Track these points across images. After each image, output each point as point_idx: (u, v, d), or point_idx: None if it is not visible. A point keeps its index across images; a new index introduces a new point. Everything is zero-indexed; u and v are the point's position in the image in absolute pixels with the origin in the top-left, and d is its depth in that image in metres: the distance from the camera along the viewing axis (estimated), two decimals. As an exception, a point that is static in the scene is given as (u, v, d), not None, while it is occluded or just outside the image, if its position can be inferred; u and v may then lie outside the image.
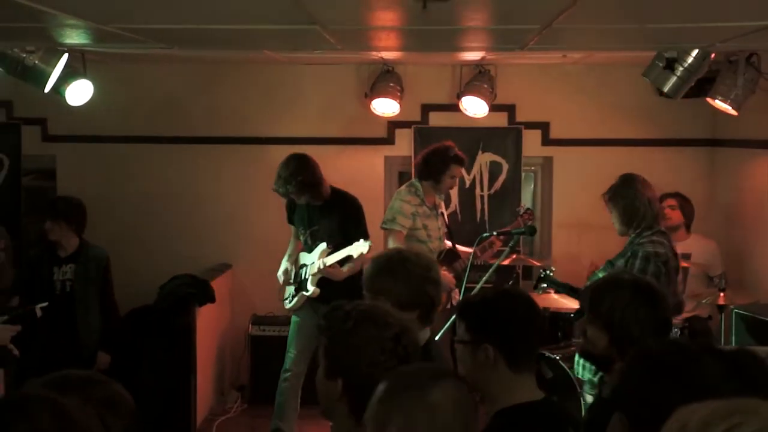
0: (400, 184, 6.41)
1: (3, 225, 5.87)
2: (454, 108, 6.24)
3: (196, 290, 5.69)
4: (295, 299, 5.30)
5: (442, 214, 5.58)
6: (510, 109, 6.47)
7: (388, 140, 6.57)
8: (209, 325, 5.97)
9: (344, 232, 5.17)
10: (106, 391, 1.76)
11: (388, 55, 5.83)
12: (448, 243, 5.47)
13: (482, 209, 6.49)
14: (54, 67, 4.90)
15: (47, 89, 4.95)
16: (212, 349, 6.18)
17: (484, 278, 5.09)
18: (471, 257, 5.19)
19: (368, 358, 2.05)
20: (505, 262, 5.34)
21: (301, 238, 5.35)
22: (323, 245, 5.18)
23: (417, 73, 6.36)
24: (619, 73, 6.22)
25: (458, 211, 6.48)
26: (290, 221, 5.43)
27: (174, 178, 6.46)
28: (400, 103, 6.21)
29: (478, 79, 6.10)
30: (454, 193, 6.31)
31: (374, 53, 5.72)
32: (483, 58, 5.91)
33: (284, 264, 5.42)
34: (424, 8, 2.84)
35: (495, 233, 5.45)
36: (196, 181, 6.48)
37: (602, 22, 4.03)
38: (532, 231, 5.43)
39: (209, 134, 6.51)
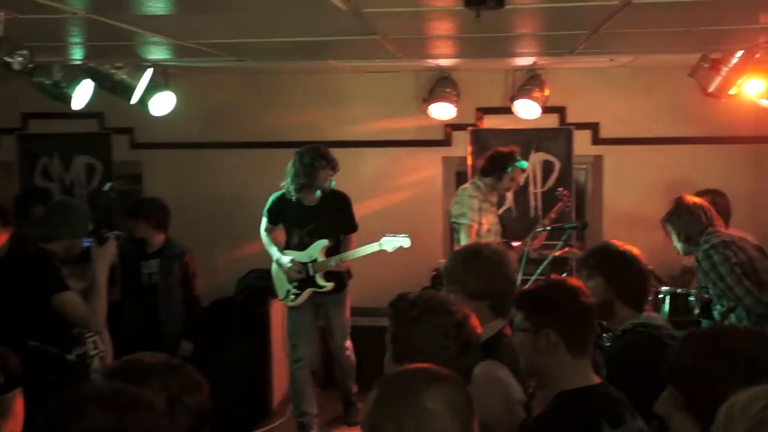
0: (458, 184, 6.42)
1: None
2: (508, 111, 6.19)
3: (271, 283, 5.78)
4: (302, 295, 5.29)
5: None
6: (561, 111, 6.39)
7: (446, 142, 6.55)
8: (283, 315, 6.04)
9: (343, 227, 5.32)
10: (182, 373, 1.82)
11: (444, 62, 5.82)
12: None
13: (535, 206, 6.43)
14: (139, 81, 5.04)
15: (133, 101, 5.09)
16: (286, 337, 6.24)
17: (539, 270, 5.07)
18: (526, 250, 5.16)
19: (434, 343, 2.08)
20: (558, 254, 5.30)
21: (294, 238, 5.30)
22: (324, 241, 5.25)
23: (472, 78, 6.32)
24: (665, 75, 6.08)
25: (513, 207, 6.44)
26: (274, 222, 5.38)
27: (248, 179, 6.54)
28: (456, 107, 6.20)
29: (530, 83, 6.04)
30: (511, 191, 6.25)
31: (431, 61, 5.72)
32: (534, 63, 5.86)
33: (286, 262, 5.25)
34: (477, 17, 2.83)
35: (548, 228, 5.42)
36: (269, 182, 6.53)
37: (648, 27, 3.96)
38: (583, 226, 5.36)
39: (279, 139, 6.57)
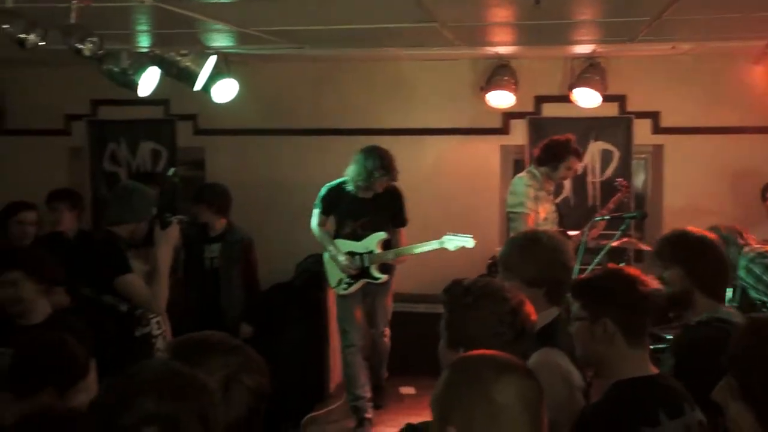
0: (515, 172, 6.35)
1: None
2: (566, 99, 6.08)
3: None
4: (354, 285, 5.31)
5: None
6: (621, 99, 6.26)
7: (503, 130, 6.47)
8: (340, 300, 6.09)
9: (394, 221, 5.34)
10: (242, 354, 1.85)
11: (502, 49, 5.75)
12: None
13: (593, 195, 6.32)
14: (203, 68, 5.11)
15: (197, 87, 5.16)
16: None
17: (596, 260, 4.98)
18: (583, 239, 5.08)
19: (488, 329, 2.07)
20: (616, 245, 5.20)
21: (347, 228, 5.29)
22: (382, 234, 5.28)
23: (530, 66, 6.23)
24: (728, 62, 5.91)
25: (570, 196, 6.34)
26: (327, 212, 5.35)
27: (308, 166, 6.57)
28: (515, 95, 6.11)
29: (590, 71, 5.92)
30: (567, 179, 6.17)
31: (489, 48, 5.66)
32: (594, 51, 5.74)
33: (343, 260, 5.26)
34: (537, 3, 2.79)
35: (607, 217, 5.33)
36: (328, 168, 6.56)
37: (710, 13, 3.85)
38: (642, 216, 5.24)
39: (338, 126, 6.59)
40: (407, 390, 6.00)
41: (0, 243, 4.58)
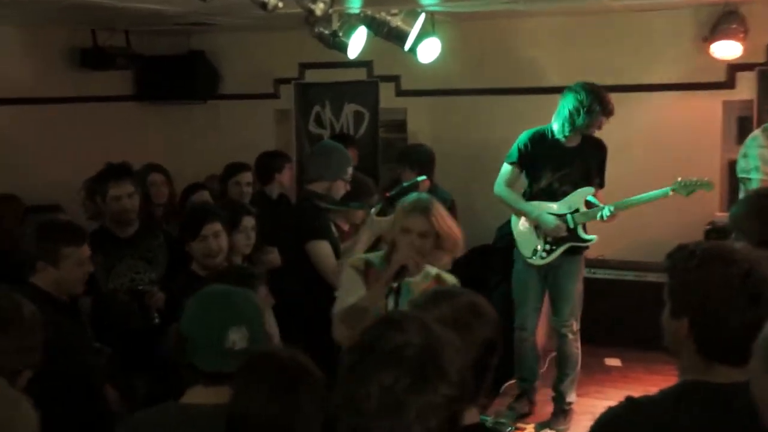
0: (740, 131, 5.95)
1: (363, 173, 6.39)
2: (805, 47, 5.59)
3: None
4: (556, 252, 4.88)
5: None
6: None
7: (728, 84, 6.07)
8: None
9: (599, 174, 4.89)
10: (470, 299, 2.03)
11: (730, -6, 5.39)
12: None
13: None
14: (412, 27, 5.20)
15: (407, 47, 5.26)
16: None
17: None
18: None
19: (715, 295, 1.94)
20: None
21: (542, 181, 4.87)
22: (590, 189, 4.84)
23: (764, 12, 5.77)
24: None
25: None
26: (522, 164, 4.88)
27: (509, 126, 6.41)
28: (743, 45, 5.70)
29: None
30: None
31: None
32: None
33: (552, 221, 4.80)
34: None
35: None
36: (530, 128, 6.53)
37: None
38: None
39: (542, 84, 6.47)
40: (613, 362, 5.87)
41: (222, 203, 4.96)
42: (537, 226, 4.91)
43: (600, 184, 4.95)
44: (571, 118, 4.70)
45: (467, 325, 1.93)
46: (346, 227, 4.57)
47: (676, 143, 6.19)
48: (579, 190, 4.89)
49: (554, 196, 4.90)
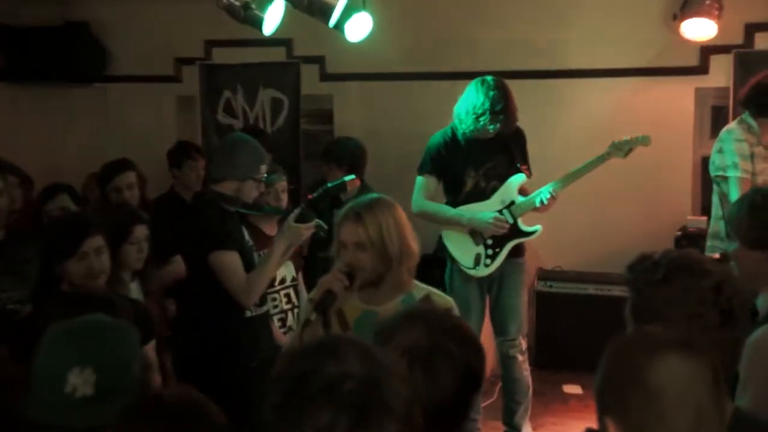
0: (714, 122, 6.06)
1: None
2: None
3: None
4: (501, 254, 4.92)
5: None
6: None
7: (701, 69, 6.20)
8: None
9: (525, 163, 5.02)
10: (452, 322, 2.05)
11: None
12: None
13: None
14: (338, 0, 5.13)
15: (332, 23, 5.19)
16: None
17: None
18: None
19: (685, 311, 1.98)
20: None
21: (467, 185, 4.94)
22: (521, 176, 4.95)
23: (741, -14, 5.92)
24: None
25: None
26: (439, 172, 4.98)
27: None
28: (717, 24, 5.81)
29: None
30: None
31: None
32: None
33: (489, 217, 4.87)
34: None
35: None
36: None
37: None
38: None
39: (491, 68, 6.47)
40: (572, 389, 5.91)
41: (104, 209, 4.81)
42: (473, 232, 4.96)
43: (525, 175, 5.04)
44: (490, 104, 4.79)
45: (447, 352, 1.93)
46: (273, 232, 4.51)
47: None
48: (509, 180, 4.97)
49: (484, 196, 4.97)
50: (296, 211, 3.92)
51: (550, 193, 4.82)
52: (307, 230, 3.88)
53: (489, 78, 4.87)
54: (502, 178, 4.96)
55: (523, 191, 4.99)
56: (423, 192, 5.01)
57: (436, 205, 5.01)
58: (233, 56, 7.03)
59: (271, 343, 4.10)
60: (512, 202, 4.96)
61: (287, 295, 4.59)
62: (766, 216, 2.68)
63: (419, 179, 5.05)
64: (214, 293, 3.85)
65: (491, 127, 4.81)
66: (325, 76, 7.00)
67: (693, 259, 2.09)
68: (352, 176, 4.41)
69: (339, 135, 6.60)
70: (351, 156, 5.44)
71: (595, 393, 1.72)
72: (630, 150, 4.99)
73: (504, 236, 4.92)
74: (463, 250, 5.01)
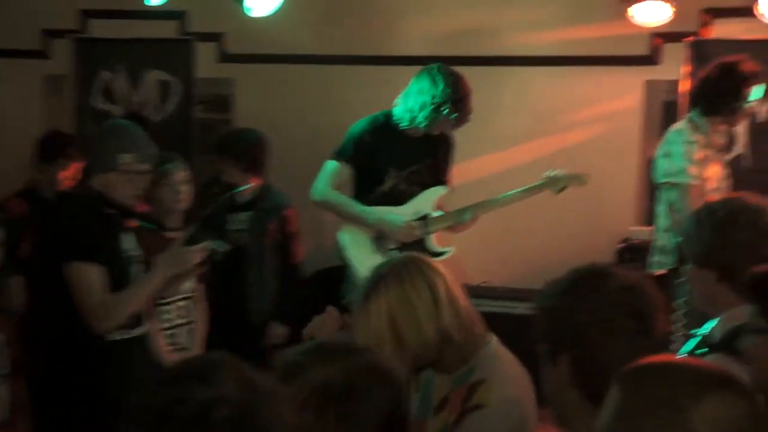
0: (666, 119, 6.17)
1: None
2: (750, 13, 5.83)
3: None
4: None
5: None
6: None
7: (651, 59, 6.32)
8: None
9: (447, 169, 5.15)
10: (371, 358, 2.04)
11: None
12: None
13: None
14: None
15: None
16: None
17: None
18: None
19: (596, 316, 2.05)
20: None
21: (387, 184, 5.04)
22: (441, 189, 5.09)
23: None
24: None
25: (747, 154, 6.12)
26: (358, 162, 5.03)
27: (372, 104, 6.52)
28: (673, 8, 5.92)
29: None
30: (742, 129, 5.97)
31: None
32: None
33: (401, 222, 5.00)
34: None
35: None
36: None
37: None
38: None
39: (418, 53, 6.54)
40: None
41: None
42: (378, 238, 5.04)
43: (444, 183, 5.17)
44: (421, 108, 4.88)
45: (365, 392, 1.93)
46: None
47: (580, 134, 6.42)
48: (428, 191, 5.08)
49: (399, 201, 5.06)
50: (183, 234, 3.91)
51: (471, 216, 4.98)
52: (196, 254, 3.85)
53: (439, 65, 4.93)
54: (424, 186, 5.06)
55: (439, 205, 5.08)
56: (331, 180, 5.06)
57: (342, 197, 5.07)
58: (114, 30, 6.94)
59: (147, 369, 4.00)
60: (426, 216, 5.06)
61: (181, 309, 4.54)
62: (716, 232, 2.74)
63: (332, 164, 5.08)
64: (68, 311, 3.79)
65: (453, 116, 4.87)
66: (225, 57, 6.99)
67: (596, 265, 2.20)
68: (246, 186, 4.39)
69: (239, 125, 6.59)
70: (251, 150, 5.38)
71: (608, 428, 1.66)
72: (564, 188, 5.11)
73: (407, 249, 4.93)
74: (362, 256, 5.06)
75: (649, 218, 5.86)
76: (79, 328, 3.77)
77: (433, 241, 5.07)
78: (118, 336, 3.86)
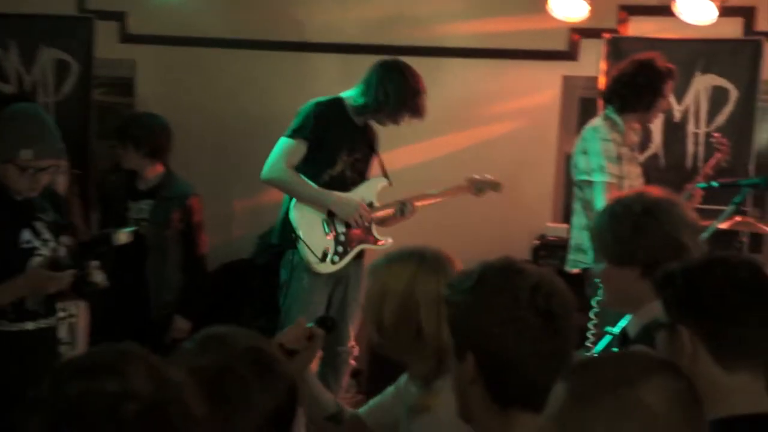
0: (582, 115, 6.23)
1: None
2: (666, 11, 5.91)
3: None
4: (349, 254, 5.15)
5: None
6: (747, 14, 6.07)
7: (569, 55, 6.36)
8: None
9: (375, 161, 5.35)
10: (252, 344, 2.02)
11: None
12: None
13: (695, 152, 6.17)
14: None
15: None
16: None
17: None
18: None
19: (501, 313, 2.06)
20: (724, 226, 5.07)
21: (337, 167, 5.12)
22: (383, 180, 5.29)
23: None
24: None
25: (661, 153, 6.20)
26: (317, 140, 5.04)
27: (286, 92, 6.49)
28: (590, 4, 5.96)
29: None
30: (657, 128, 6.06)
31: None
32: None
33: (355, 203, 5.11)
34: None
35: (714, 185, 5.21)
36: (314, 97, 6.49)
37: None
38: (767, 184, 5.13)
39: (329, 40, 6.52)
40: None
41: None
42: (328, 219, 5.11)
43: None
44: (376, 101, 5.01)
45: (243, 386, 1.91)
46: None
47: (498, 128, 6.44)
48: (373, 180, 5.28)
49: (345, 187, 5.15)
50: (45, 257, 3.81)
51: (408, 208, 5.22)
52: (61, 281, 3.77)
53: (396, 59, 5.17)
54: (362, 175, 5.24)
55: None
56: (288, 158, 5.04)
57: (298, 177, 5.06)
58: (6, 4, 6.75)
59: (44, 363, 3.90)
60: (371, 204, 5.21)
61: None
62: (632, 228, 2.79)
63: (289, 142, 5.06)
64: None
65: (405, 112, 5.09)
66: (126, 37, 6.88)
67: (507, 260, 2.20)
68: (130, 228, 4.36)
69: (141, 110, 6.51)
70: (152, 136, 5.37)
71: (561, 418, 1.70)
72: (481, 191, 5.48)
73: (358, 235, 5.18)
74: (311, 238, 5.09)
75: (566, 215, 5.91)
76: None
77: (375, 230, 5.24)
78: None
